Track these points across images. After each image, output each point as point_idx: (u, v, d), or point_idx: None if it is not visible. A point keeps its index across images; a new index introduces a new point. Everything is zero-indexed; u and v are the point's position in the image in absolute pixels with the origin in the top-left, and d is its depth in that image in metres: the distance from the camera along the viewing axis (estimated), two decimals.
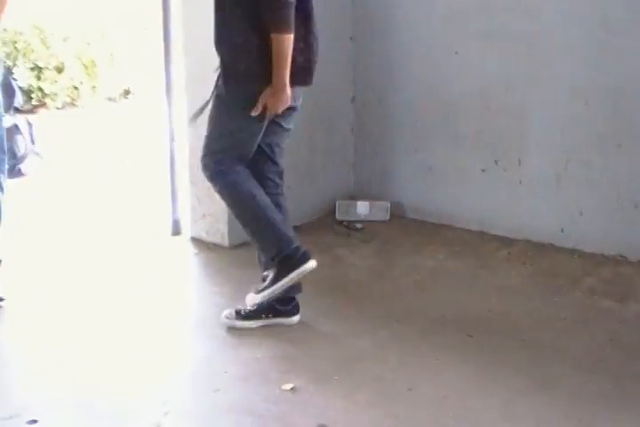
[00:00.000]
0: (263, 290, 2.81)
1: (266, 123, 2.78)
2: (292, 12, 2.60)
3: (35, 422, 2.28)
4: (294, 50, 2.65)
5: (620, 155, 3.50)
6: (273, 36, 2.60)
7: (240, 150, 2.84)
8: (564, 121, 3.64)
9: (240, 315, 2.90)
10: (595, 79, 3.50)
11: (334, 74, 3.99)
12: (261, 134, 2.82)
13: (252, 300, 2.85)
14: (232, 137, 2.82)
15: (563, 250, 3.64)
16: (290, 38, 2.61)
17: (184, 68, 3.81)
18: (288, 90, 2.66)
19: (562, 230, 3.69)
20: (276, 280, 2.79)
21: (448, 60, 3.95)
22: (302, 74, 2.75)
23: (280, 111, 2.73)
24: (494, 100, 3.84)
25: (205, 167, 2.86)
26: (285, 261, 2.78)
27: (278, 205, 2.91)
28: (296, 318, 2.93)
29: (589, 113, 3.55)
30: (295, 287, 2.86)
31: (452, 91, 3.97)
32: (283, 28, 2.59)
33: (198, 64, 3.67)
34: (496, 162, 3.89)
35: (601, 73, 3.48)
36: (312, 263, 2.81)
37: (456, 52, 3.91)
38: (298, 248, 2.81)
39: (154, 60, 4.11)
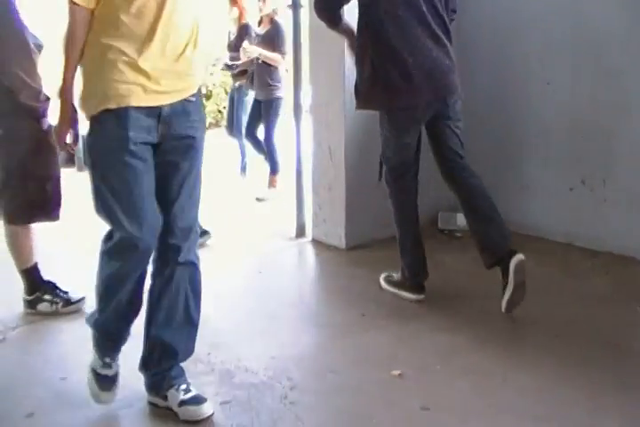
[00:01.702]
0: (389, 283, 3.11)
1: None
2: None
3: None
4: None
5: None
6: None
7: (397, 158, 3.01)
8: None
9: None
10: None
11: None
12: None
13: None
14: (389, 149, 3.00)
15: None
16: None
17: (310, 94, 3.86)
18: None
19: None
20: (396, 286, 3.07)
21: (541, 91, 3.82)
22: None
23: None
24: (582, 126, 3.68)
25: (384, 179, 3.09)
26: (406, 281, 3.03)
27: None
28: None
29: None
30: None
31: (544, 118, 3.84)
32: None
33: (321, 92, 3.73)
34: (583, 182, 3.74)
35: None
36: (419, 297, 3.02)
37: (548, 83, 3.79)
38: (419, 277, 3.03)
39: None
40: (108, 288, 2.15)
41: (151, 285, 2.22)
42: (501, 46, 3.96)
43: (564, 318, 2.91)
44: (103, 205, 2.04)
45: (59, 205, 2.90)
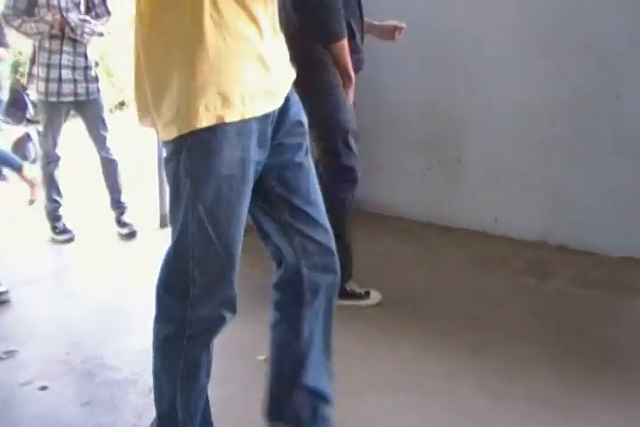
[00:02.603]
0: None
1: None
2: None
3: (45, 388, 2.22)
4: None
5: (540, 156, 3.51)
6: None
7: None
8: (497, 127, 3.64)
9: None
10: (524, 92, 3.49)
11: None
12: None
13: None
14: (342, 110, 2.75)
15: (495, 237, 3.63)
16: None
17: None
18: None
19: (495, 220, 3.69)
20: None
21: (397, 76, 3.92)
22: None
23: None
24: (437, 110, 3.82)
25: None
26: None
27: None
28: None
29: (517, 120, 3.55)
30: None
31: (399, 102, 3.94)
32: None
33: None
34: (439, 161, 3.88)
35: (528, 86, 3.48)
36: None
37: (404, 69, 3.89)
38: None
39: None
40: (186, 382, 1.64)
41: (292, 326, 1.74)
42: None
43: (422, 293, 3.02)
44: (200, 254, 1.51)
45: None
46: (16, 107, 6.54)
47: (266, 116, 1.45)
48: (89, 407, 2.15)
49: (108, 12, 3.66)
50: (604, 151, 3.32)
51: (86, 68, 3.60)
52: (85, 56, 3.60)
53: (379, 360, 2.44)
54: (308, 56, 2.49)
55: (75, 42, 3.52)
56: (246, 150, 1.42)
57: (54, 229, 3.74)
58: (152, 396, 2.15)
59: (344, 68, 2.60)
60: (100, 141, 3.74)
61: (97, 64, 3.74)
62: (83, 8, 3.56)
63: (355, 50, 2.66)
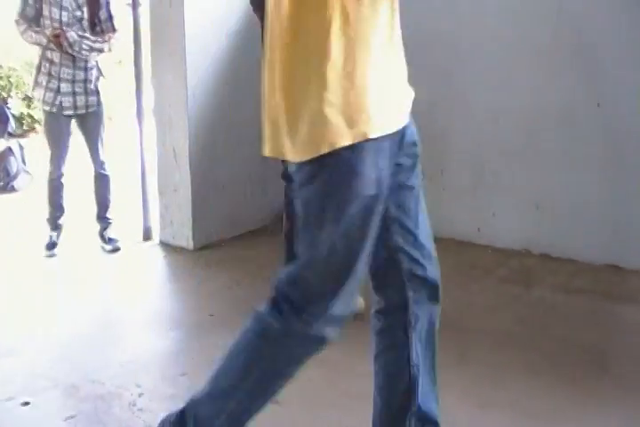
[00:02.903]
0: None
1: None
2: None
3: (27, 403, 2.21)
4: None
5: (523, 165, 3.54)
6: None
7: None
8: (479, 138, 3.66)
9: None
10: (506, 102, 3.53)
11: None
12: None
13: None
14: None
15: (479, 246, 3.66)
16: None
17: (152, 95, 3.76)
18: None
19: (478, 230, 3.71)
20: None
21: None
22: None
23: None
24: (419, 122, 3.83)
25: None
26: None
27: None
28: None
29: (499, 131, 3.58)
30: None
31: None
32: None
33: (164, 93, 3.65)
34: (422, 172, 3.90)
35: (509, 97, 3.52)
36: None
37: None
38: None
39: (127, 89, 4.07)
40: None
41: (402, 353, 1.67)
42: None
43: None
44: (342, 273, 1.45)
45: None
46: None
47: (395, 134, 1.42)
48: (73, 422, 2.13)
49: (114, 29, 3.64)
50: (585, 160, 3.36)
51: (86, 80, 3.59)
52: (85, 69, 3.58)
53: (363, 371, 2.43)
54: None
55: (74, 57, 3.52)
56: (382, 169, 1.38)
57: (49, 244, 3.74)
58: (136, 408, 2.17)
59: None
60: (94, 156, 3.73)
61: (100, 76, 3.69)
62: (86, 23, 3.55)
63: None
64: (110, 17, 3.63)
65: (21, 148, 5.59)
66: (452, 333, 2.69)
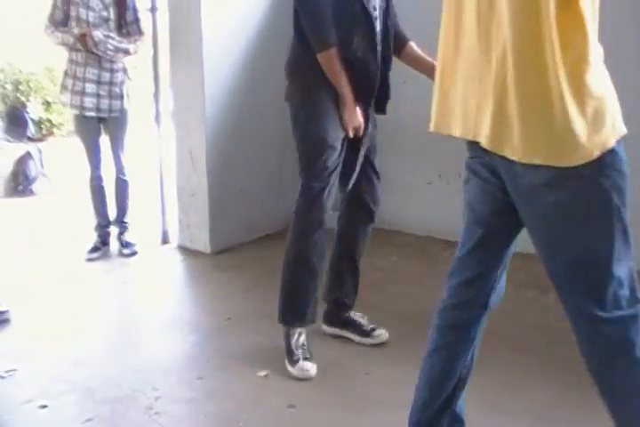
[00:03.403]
0: None
1: None
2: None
3: (45, 406, 2.24)
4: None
5: None
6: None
7: None
8: None
9: None
10: None
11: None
12: None
13: None
14: None
15: None
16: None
17: (171, 100, 3.79)
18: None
19: None
20: None
21: (397, 90, 3.95)
22: None
23: None
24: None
25: None
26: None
27: None
28: None
29: None
30: None
31: (399, 118, 3.97)
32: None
33: (182, 97, 3.68)
34: (440, 176, 3.91)
35: None
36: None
37: (404, 82, 3.92)
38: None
39: (145, 92, 4.10)
40: None
41: (464, 348, 1.77)
42: None
43: (425, 308, 3.01)
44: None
45: None
46: (16, 124, 6.63)
47: None
48: (90, 425, 2.16)
49: (140, 32, 3.67)
50: None
51: (111, 83, 3.61)
52: (111, 71, 3.60)
53: (378, 376, 2.45)
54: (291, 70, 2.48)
55: (99, 56, 3.55)
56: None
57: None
58: (153, 412, 2.20)
59: (334, 84, 2.37)
60: (115, 161, 3.76)
61: (126, 81, 3.70)
62: (113, 25, 3.58)
63: (357, 68, 2.39)
64: (137, 19, 3.66)
65: (40, 152, 5.67)
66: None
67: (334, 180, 2.45)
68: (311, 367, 2.42)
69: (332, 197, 2.47)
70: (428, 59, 2.56)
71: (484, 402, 2.25)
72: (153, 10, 3.84)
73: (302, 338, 2.51)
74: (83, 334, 2.81)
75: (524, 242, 3.67)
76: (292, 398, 2.27)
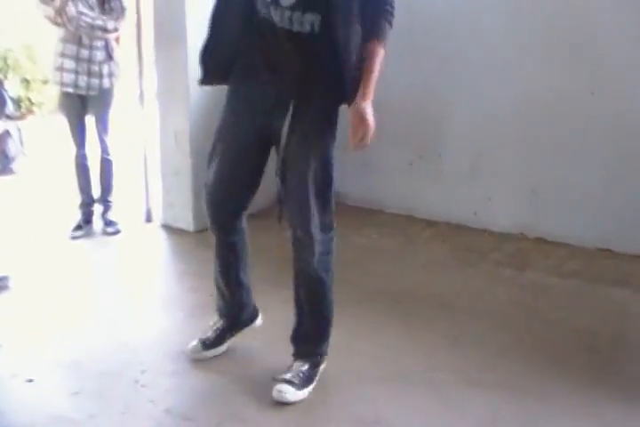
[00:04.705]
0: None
1: None
2: None
3: (31, 381, 2.30)
4: None
5: (520, 150, 3.61)
6: None
7: None
8: (477, 123, 3.73)
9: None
10: (505, 89, 3.60)
11: None
12: None
13: None
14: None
15: (475, 230, 3.74)
16: None
17: (155, 79, 3.81)
18: None
19: (474, 213, 3.79)
20: None
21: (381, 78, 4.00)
22: None
23: None
24: (418, 107, 3.91)
25: None
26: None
27: None
28: (258, 322, 2.57)
29: (498, 117, 3.65)
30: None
31: (381, 99, 4.01)
32: None
33: (166, 77, 3.71)
34: (421, 157, 3.97)
35: (509, 84, 3.59)
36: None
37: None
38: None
39: (129, 73, 4.11)
40: None
41: None
42: None
43: (404, 286, 3.11)
44: None
45: None
46: None
47: None
48: (77, 398, 2.22)
49: (122, 8, 3.65)
50: (581, 147, 3.43)
51: (90, 61, 3.60)
52: (90, 48, 3.59)
53: (359, 350, 2.53)
54: None
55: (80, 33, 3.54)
56: None
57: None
58: (139, 385, 2.26)
59: None
60: (99, 140, 3.78)
61: (109, 60, 3.68)
62: (94, 1, 3.57)
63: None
64: None
65: (19, 130, 5.65)
66: (446, 314, 2.81)
67: None
68: None
69: None
70: None
71: (460, 375, 2.35)
72: None
73: None
74: (67, 311, 2.86)
75: (500, 222, 3.79)
76: (273, 372, 2.34)
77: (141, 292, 3.09)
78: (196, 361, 2.44)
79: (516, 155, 3.62)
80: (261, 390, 2.25)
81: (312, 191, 2.15)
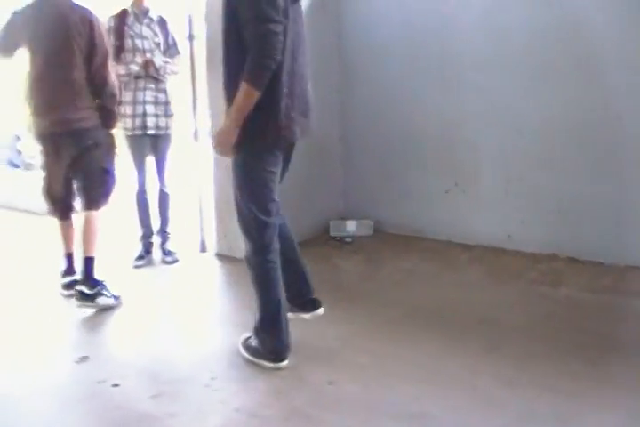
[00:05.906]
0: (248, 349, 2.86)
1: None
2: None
3: (117, 385, 2.64)
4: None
5: (548, 174, 3.90)
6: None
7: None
8: (506, 149, 4.04)
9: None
10: (533, 115, 3.90)
11: (324, 120, 4.39)
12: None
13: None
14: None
15: (509, 251, 4.04)
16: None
17: (208, 117, 4.17)
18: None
19: (509, 236, 4.08)
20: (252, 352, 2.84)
21: (414, 108, 4.36)
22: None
23: None
24: (451, 137, 4.25)
25: None
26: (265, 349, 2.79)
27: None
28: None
29: (526, 142, 3.96)
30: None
31: (417, 129, 4.37)
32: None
33: (218, 115, 4.10)
34: (456, 184, 4.28)
35: (536, 109, 3.89)
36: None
37: (417, 95, 4.32)
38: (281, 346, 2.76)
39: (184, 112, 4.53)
40: None
41: None
42: (376, 65, 4.48)
43: (445, 302, 3.40)
44: None
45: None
46: None
47: None
48: (157, 400, 2.55)
49: (178, 52, 4.17)
50: (606, 168, 3.71)
51: (166, 103, 4.08)
52: (165, 92, 4.07)
53: (405, 358, 2.82)
54: None
55: (156, 79, 4.01)
56: None
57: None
58: (211, 389, 2.58)
59: None
60: (159, 175, 4.19)
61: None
62: (162, 48, 4.07)
63: None
64: (175, 42, 4.16)
65: None
66: (483, 326, 3.09)
67: None
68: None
69: None
70: None
71: (499, 378, 2.61)
72: (190, 38, 4.28)
73: None
74: (139, 327, 3.23)
75: (533, 243, 4.05)
76: (331, 376, 2.65)
77: (201, 311, 3.45)
78: (260, 369, 2.75)
79: (546, 178, 3.90)
80: (321, 391, 2.55)
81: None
